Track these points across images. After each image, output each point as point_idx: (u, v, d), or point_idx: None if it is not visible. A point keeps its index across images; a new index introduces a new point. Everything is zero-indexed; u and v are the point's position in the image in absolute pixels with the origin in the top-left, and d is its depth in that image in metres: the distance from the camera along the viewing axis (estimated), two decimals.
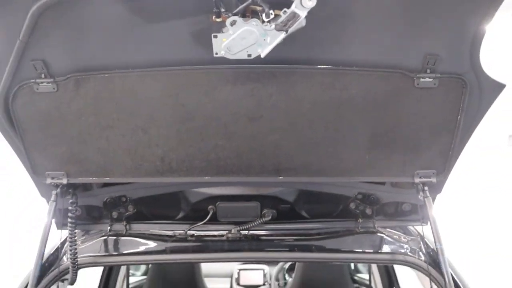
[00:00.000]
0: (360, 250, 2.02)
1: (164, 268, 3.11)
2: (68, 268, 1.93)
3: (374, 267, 3.34)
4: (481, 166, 5.58)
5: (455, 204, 4.75)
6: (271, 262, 4.31)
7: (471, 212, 5.65)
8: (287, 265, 4.18)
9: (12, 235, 5.42)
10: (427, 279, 1.95)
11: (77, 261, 1.90)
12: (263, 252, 2.02)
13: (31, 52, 1.46)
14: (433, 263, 1.95)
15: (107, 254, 2.02)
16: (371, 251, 2.03)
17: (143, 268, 4.03)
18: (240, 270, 4.17)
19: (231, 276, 4.17)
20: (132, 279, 3.62)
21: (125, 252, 2.04)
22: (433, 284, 1.92)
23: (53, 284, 1.94)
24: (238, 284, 4.07)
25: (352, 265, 3.88)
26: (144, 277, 3.78)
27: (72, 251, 1.88)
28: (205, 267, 3.30)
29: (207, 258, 2.01)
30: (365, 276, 3.71)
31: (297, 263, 3.16)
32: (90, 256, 2.00)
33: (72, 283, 1.96)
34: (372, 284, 3.35)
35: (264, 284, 4.08)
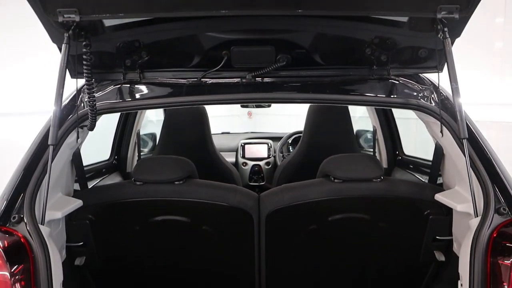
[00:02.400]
0: (373, 95, 2.05)
1: (175, 139, 3.16)
2: (87, 114, 1.95)
3: (380, 138, 3.43)
4: None
5: None
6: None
7: None
8: (291, 139, 4.27)
9: None
10: (438, 127, 2.01)
11: (95, 106, 1.92)
12: (276, 93, 2.03)
13: None
14: (444, 108, 1.99)
15: (123, 100, 2.04)
16: (384, 95, 2.05)
17: (150, 145, 4.12)
18: (245, 144, 4.24)
19: (236, 150, 4.26)
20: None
21: (140, 97, 2.05)
22: (444, 128, 1.98)
23: (72, 130, 1.97)
24: (243, 157, 4.16)
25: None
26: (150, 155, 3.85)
27: (90, 96, 1.89)
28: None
29: (221, 100, 2.02)
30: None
31: (303, 132, 3.22)
32: (107, 102, 2.02)
33: (91, 128, 2.00)
34: (377, 152, 3.47)
35: (268, 157, 4.20)
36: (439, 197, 2.06)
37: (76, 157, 2.20)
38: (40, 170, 1.82)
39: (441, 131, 1.99)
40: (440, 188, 2.21)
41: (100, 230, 2.15)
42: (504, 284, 1.62)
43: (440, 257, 2.18)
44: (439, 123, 1.99)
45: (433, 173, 2.31)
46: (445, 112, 1.97)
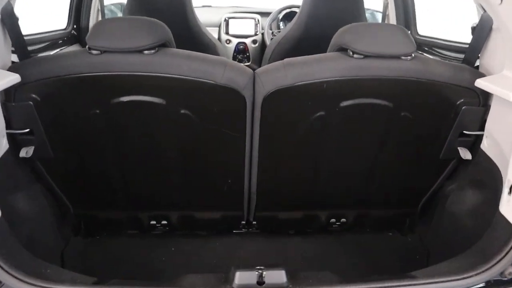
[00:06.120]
0: None
1: (147, 4, 2.56)
2: None
3: (392, 14, 2.94)
4: None
5: None
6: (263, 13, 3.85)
7: None
8: (281, 14, 3.74)
9: None
10: None
11: None
12: None
13: None
14: None
15: None
16: None
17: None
18: (229, 18, 3.75)
19: (219, 26, 3.77)
20: None
21: None
22: None
23: None
24: (227, 33, 3.71)
25: None
26: None
27: None
28: None
29: None
30: None
31: (302, 2, 2.64)
32: None
33: None
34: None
35: (255, 34, 3.71)
36: (482, 83, 1.64)
37: (9, 16, 1.63)
38: None
39: None
40: (481, 73, 1.78)
41: (48, 113, 1.67)
42: None
43: (466, 155, 1.83)
44: None
45: (471, 53, 1.84)
46: None
